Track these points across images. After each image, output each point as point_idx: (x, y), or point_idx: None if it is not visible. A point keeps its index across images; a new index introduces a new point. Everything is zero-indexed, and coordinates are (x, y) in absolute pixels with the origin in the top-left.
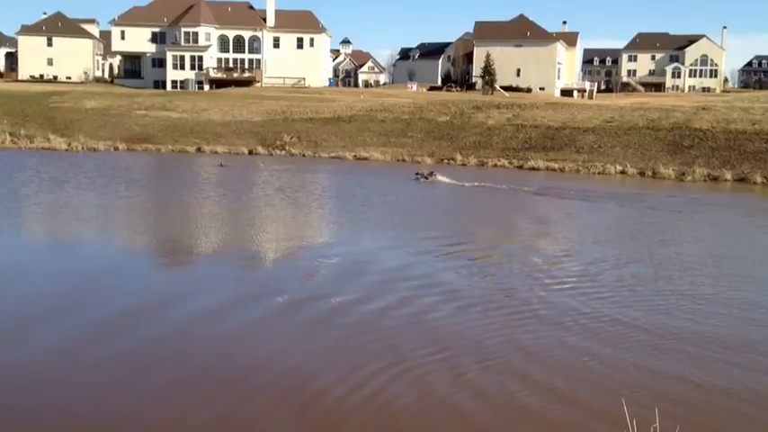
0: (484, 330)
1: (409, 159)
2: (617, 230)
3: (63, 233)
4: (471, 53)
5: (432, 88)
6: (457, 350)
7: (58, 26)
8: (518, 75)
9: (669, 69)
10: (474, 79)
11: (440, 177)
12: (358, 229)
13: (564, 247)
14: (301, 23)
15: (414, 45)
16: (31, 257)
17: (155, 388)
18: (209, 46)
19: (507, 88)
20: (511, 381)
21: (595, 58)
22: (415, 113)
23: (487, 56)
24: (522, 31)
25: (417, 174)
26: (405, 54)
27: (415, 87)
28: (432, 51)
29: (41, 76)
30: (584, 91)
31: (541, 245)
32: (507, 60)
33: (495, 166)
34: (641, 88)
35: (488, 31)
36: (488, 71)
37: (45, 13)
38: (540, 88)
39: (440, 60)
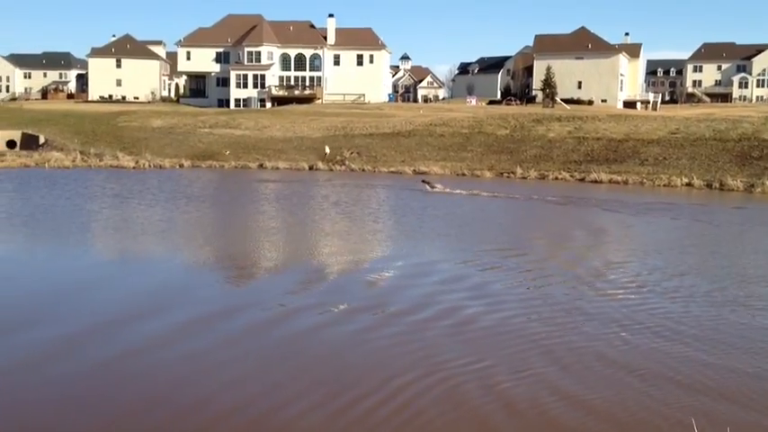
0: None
1: (468, 173)
2: (669, 243)
3: (117, 246)
4: (531, 66)
5: (491, 102)
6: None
7: (126, 48)
8: (579, 87)
9: (736, 79)
10: (534, 92)
11: (442, 187)
12: (413, 242)
13: (617, 258)
14: (361, 41)
15: (473, 59)
16: (82, 270)
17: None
18: (271, 65)
19: (568, 101)
20: (543, 393)
21: (659, 70)
22: (475, 127)
23: (548, 69)
24: (583, 44)
25: (424, 182)
26: (464, 68)
27: (474, 101)
28: (491, 65)
29: (110, 96)
30: (648, 102)
31: (598, 257)
32: (568, 73)
33: (557, 179)
34: (707, 99)
35: (549, 44)
36: (549, 84)
37: (114, 36)
38: (602, 100)
39: (499, 74)
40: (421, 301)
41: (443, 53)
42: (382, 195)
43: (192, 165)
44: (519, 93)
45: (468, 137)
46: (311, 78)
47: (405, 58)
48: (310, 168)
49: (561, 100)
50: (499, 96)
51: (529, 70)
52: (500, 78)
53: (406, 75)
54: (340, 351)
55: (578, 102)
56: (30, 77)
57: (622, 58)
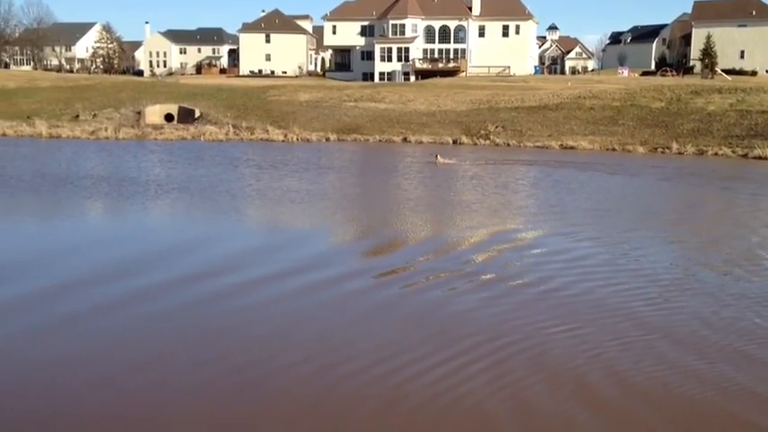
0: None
1: (619, 148)
2: None
3: (269, 215)
4: (689, 35)
5: (644, 73)
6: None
7: (275, 23)
8: (741, 57)
9: None
10: (692, 62)
11: (445, 160)
12: (548, 215)
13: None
14: (507, 11)
15: (625, 28)
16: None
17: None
18: (415, 37)
19: (729, 71)
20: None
21: None
22: (627, 100)
23: (707, 37)
24: (746, 10)
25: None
26: (615, 38)
27: (626, 73)
28: (645, 34)
29: (260, 71)
30: None
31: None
32: (729, 42)
33: (716, 154)
34: None
35: (708, 11)
36: (708, 53)
37: (263, 11)
38: (767, 71)
39: (654, 44)
40: (549, 274)
41: (593, 22)
42: (520, 171)
43: (338, 138)
44: (675, 63)
45: (619, 110)
46: (455, 51)
47: (552, 28)
48: (454, 142)
49: (722, 70)
50: (653, 67)
51: (686, 39)
52: (654, 48)
53: (554, 46)
54: (457, 315)
55: (740, 72)
56: (185, 53)
57: None
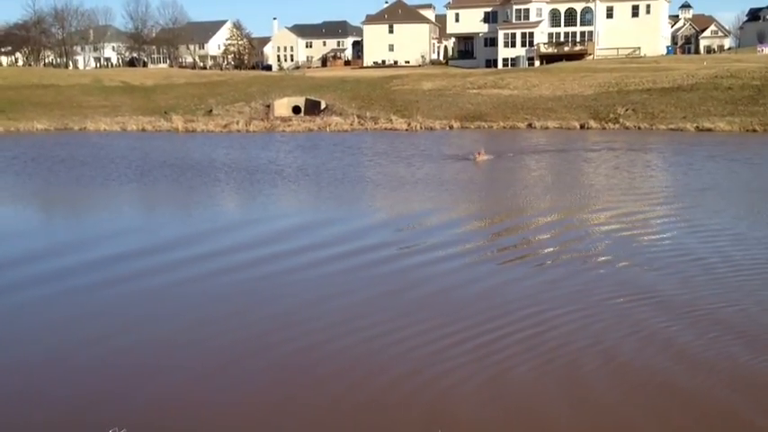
0: None
1: (761, 129)
2: None
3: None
4: None
5: None
6: None
7: (398, 14)
8: None
9: None
10: None
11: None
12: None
13: None
14: None
15: (764, 4)
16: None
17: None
18: (540, 21)
19: None
20: None
21: None
22: None
23: None
24: None
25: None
26: (754, 14)
27: (766, 50)
28: None
29: (383, 61)
30: None
31: None
32: None
33: None
34: None
35: None
36: None
37: (387, 2)
38: None
39: None
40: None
41: None
42: (646, 158)
43: (462, 126)
44: None
45: (759, 89)
46: (582, 33)
47: (685, 6)
48: (581, 127)
49: None
50: None
51: None
52: None
53: (687, 24)
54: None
55: None
56: (311, 47)
57: None
